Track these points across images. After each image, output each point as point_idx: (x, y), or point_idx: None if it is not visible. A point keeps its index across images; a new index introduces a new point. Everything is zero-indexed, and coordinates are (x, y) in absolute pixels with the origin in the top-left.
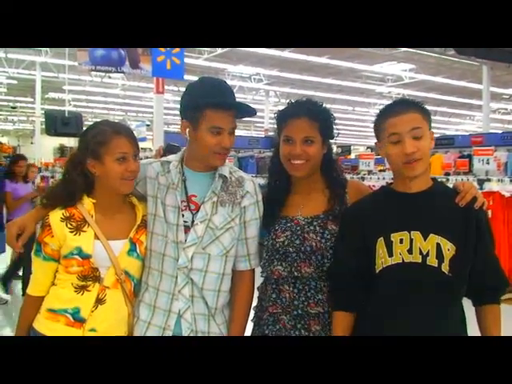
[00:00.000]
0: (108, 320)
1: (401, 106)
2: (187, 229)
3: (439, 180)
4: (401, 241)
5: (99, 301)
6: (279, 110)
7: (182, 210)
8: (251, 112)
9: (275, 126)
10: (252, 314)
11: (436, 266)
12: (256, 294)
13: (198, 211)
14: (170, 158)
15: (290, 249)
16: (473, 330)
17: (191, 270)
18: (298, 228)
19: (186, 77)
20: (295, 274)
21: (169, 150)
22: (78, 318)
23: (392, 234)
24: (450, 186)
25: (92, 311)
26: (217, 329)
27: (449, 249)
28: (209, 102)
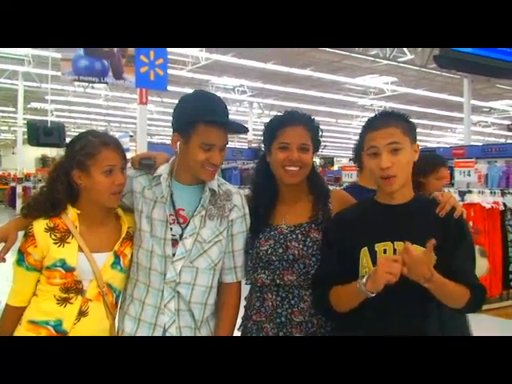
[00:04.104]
0: (90, 332)
1: (382, 120)
2: (175, 242)
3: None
4: (384, 251)
5: (82, 313)
6: (270, 120)
7: (171, 224)
8: (243, 130)
9: (259, 138)
10: (239, 322)
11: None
12: (243, 303)
13: (186, 225)
14: (160, 170)
15: (273, 257)
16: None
17: (179, 284)
18: (281, 236)
19: (170, 88)
20: (278, 281)
21: (143, 169)
22: (59, 331)
23: (376, 244)
24: None
25: (74, 323)
26: None
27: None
28: (202, 118)
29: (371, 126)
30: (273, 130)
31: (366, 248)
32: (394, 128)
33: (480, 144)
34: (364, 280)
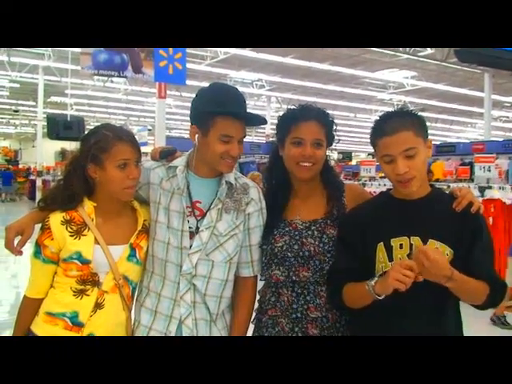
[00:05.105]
0: (106, 324)
1: (392, 123)
2: (191, 235)
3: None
4: (400, 246)
5: (98, 305)
6: (283, 114)
7: (187, 216)
8: (262, 122)
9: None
10: (253, 315)
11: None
12: (257, 297)
13: (202, 217)
14: (176, 162)
15: (289, 253)
16: (471, 331)
17: (194, 276)
18: (297, 233)
19: (188, 82)
20: (293, 278)
21: (163, 156)
22: (76, 323)
23: (392, 239)
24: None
25: (91, 316)
26: (218, 333)
27: (447, 253)
28: (220, 111)
29: (382, 131)
30: (286, 124)
31: (382, 243)
32: (406, 132)
33: (501, 139)
34: (373, 282)
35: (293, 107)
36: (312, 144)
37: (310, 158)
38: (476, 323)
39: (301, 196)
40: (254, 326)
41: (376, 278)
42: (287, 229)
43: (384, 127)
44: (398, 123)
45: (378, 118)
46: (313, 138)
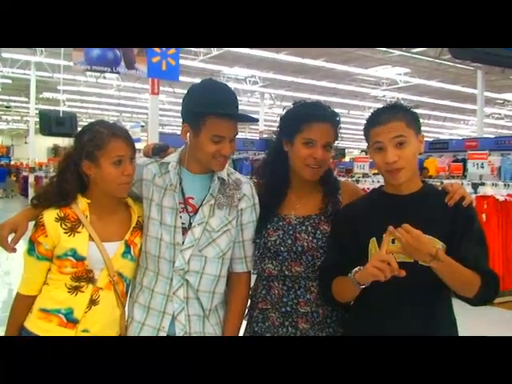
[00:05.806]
0: (101, 321)
1: (385, 115)
2: (184, 231)
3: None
4: (393, 241)
5: (93, 302)
6: (294, 108)
7: (180, 212)
8: (253, 120)
9: (271, 129)
10: (246, 312)
11: (428, 265)
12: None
13: (195, 213)
14: (169, 158)
15: (282, 248)
16: (467, 330)
17: (187, 272)
18: (290, 227)
19: (181, 78)
20: (286, 272)
21: (156, 153)
22: (71, 319)
23: (384, 234)
24: None
25: (85, 312)
26: (211, 329)
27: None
28: (211, 111)
29: (374, 121)
30: (299, 121)
31: (374, 238)
32: (398, 121)
33: (493, 136)
34: (356, 269)
35: (303, 103)
36: (323, 147)
37: (319, 160)
38: (470, 322)
39: (297, 192)
40: (245, 322)
41: (361, 267)
42: (281, 223)
43: (377, 118)
44: (390, 114)
45: (372, 112)
46: (324, 141)
